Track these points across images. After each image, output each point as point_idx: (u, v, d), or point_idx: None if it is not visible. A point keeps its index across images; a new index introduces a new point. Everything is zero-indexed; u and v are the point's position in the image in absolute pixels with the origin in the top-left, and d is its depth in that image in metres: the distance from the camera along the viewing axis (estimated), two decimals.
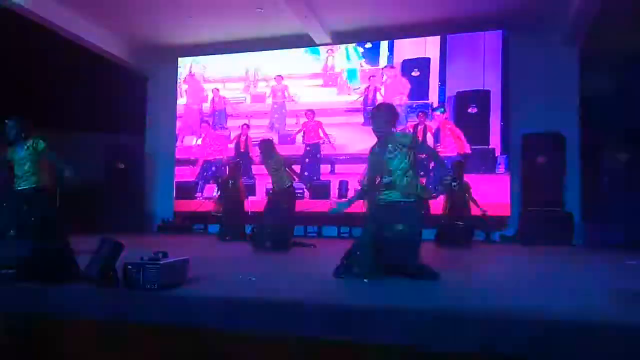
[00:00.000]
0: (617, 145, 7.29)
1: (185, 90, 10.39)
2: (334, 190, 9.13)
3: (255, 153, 8.79)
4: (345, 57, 9.44)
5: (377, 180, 3.83)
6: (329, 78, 9.55)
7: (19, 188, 5.06)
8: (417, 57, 9.05)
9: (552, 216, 7.78)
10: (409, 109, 8.91)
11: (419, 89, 8.98)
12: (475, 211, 7.17)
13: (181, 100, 10.39)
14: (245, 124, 9.87)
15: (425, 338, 2.36)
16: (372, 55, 9.30)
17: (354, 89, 9.35)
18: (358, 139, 8.91)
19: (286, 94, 9.70)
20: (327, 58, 9.54)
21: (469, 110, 8.67)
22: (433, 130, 8.76)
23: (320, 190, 9.11)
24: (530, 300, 2.90)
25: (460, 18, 8.43)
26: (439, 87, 8.87)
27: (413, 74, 9.03)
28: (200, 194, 9.97)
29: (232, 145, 9.93)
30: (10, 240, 4.60)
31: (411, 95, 8.99)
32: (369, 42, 9.28)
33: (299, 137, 9.55)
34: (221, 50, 9.98)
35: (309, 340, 2.48)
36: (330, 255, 5.62)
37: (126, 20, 8.93)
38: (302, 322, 2.56)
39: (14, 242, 4.49)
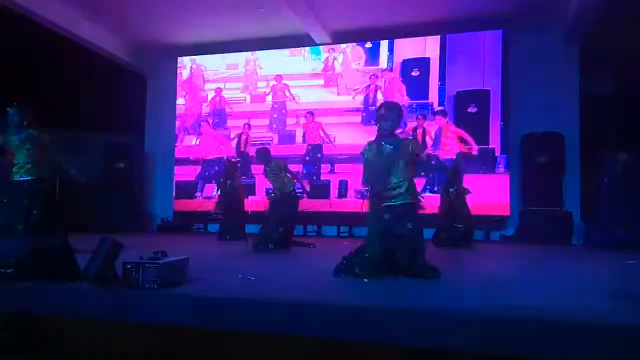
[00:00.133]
0: (617, 145, 7.28)
1: (185, 90, 10.38)
2: (334, 190, 9.13)
3: (253, 152, 8.79)
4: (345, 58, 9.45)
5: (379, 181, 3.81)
6: (329, 78, 9.55)
7: (18, 179, 4.99)
8: (417, 57, 9.05)
9: (552, 216, 7.79)
10: (408, 110, 8.91)
11: (419, 88, 8.98)
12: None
13: (181, 100, 10.39)
14: (246, 124, 9.87)
15: (425, 338, 2.36)
16: (372, 55, 9.30)
17: (354, 89, 9.34)
18: (358, 139, 8.90)
19: (287, 93, 9.70)
20: (327, 58, 9.54)
21: (469, 110, 8.67)
22: (432, 134, 8.74)
23: (320, 190, 9.14)
24: (530, 300, 2.90)
25: (460, 18, 8.42)
26: (439, 86, 8.86)
27: (413, 73, 9.03)
28: (200, 193, 9.97)
29: (233, 145, 9.92)
30: (10, 238, 4.54)
31: (410, 96, 8.98)
32: (369, 41, 9.28)
33: (299, 137, 9.55)
34: (221, 49, 9.97)
35: (309, 340, 2.47)
36: (329, 255, 5.62)
37: (126, 20, 8.92)
38: (302, 322, 2.55)
39: (13, 240, 4.45)
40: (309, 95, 9.58)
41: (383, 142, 3.78)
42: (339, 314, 2.55)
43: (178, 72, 10.37)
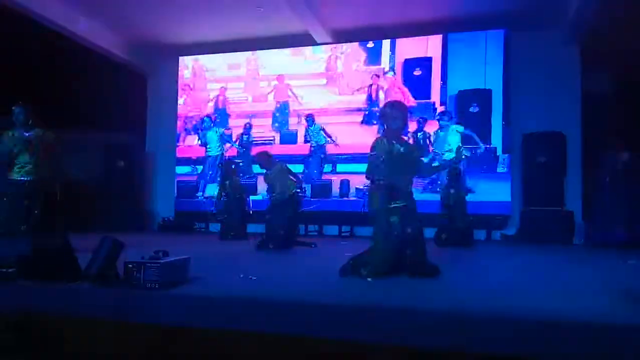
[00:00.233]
0: (619, 144, 7.27)
1: (187, 89, 10.38)
2: (336, 190, 9.13)
3: (255, 152, 8.79)
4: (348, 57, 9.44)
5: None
6: (331, 77, 9.53)
7: (19, 178, 4.97)
8: (419, 56, 9.04)
9: (553, 215, 7.78)
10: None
11: (421, 88, 8.96)
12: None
13: (182, 99, 10.38)
14: (248, 123, 9.86)
15: (425, 338, 2.36)
16: (374, 55, 9.29)
17: (356, 90, 9.33)
18: (359, 138, 8.92)
19: (289, 93, 9.68)
20: (329, 57, 9.53)
21: (471, 109, 8.66)
22: (432, 137, 8.73)
23: (322, 190, 9.13)
24: (531, 300, 2.90)
25: (462, 17, 8.41)
26: (441, 86, 8.85)
27: (415, 73, 9.02)
28: (201, 192, 9.97)
29: (235, 145, 9.91)
30: (10, 238, 4.53)
31: (412, 96, 8.97)
32: (370, 41, 9.26)
33: (301, 137, 9.54)
34: (221, 49, 9.96)
35: (309, 340, 2.47)
36: (331, 254, 5.64)
37: (126, 19, 8.91)
38: (303, 322, 2.55)
39: (13, 240, 4.45)
40: (311, 95, 9.56)
41: (394, 142, 3.78)
42: (339, 314, 2.55)
43: (179, 71, 10.36)
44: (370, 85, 9.23)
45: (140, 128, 10.69)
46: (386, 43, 9.21)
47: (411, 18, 8.55)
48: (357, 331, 2.45)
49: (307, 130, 9.46)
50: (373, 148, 3.79)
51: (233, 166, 8.24)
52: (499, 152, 8.44)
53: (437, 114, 8.72)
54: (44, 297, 2.98)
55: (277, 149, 9.21)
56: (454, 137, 8.39)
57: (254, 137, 9.79)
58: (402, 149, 3.77)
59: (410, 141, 7.81)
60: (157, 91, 10.68)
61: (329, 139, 9.32)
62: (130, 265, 2.91)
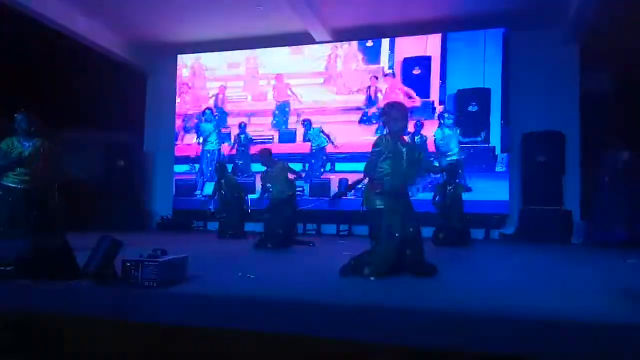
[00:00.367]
0: (618, 143, 7.28)
1: (186, 88, 10.36)
2: (334, 188, 9.12)
3: (255, 150, 8.79)
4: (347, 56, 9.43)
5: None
6: (329, 76, 9.52)
7: (17, 186, 4.94)
8: (418, 55, 9.03)
9: (552, 214, 7.79)
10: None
11: (420, 87, 8.96)
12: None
13: (180, 98, 10.36)
14: (242, 122, 9.85)
15: (425, 338, 2.35)
16: (373, 54, 9.28)
17: (355, 90, 9.31)
18: (357, 138, 8.92)
19: (289, 92, 9.67)
20: (329, 56, 9.51)
21: (470, 108, 8.66)
22: (432, 139, 8.73)
23: (320, 188, 9.13)
24: (530, 300, 2.89)
25: (461, 16, 8.41)
26: (440, 85, 8.85)
27: (414, 72, 9.01)
28: (199, 191, 9.96)
29: (232, 144, 9.90)
30: (9, 238, 4.52)
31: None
32: (369, 40, 9.25)
33: (300, 136, 9.53)
34: (220, 47, 9.95)
35: (308, 339, 2.47)
36: (329, 253, 5.64)
37: (126, 18, 8.90)
38: (301, 321, 2.55)
39: (12, 239, 4.44)
40: (310, 94, 9.55)
41: (399, 142, 3.78)
42: (338, 313, 2.54)
43: (178, 70, 10.34)
44: (369, 87, 9.21)
45: (139, 127, 10.68)
46: (385, 42, 9.20)
47: (411, 17, 8.54)
48: (356, 330, 2.44)
49: (306, 134, 9.46)
50: (375, 145, 3.75)
51: (231, 166, 8.24)
52: (498, 151, 8.45)
53: (439, 113, 8.72)
54: (43, 297, 2.97)
55: (276, 147, 9.20)
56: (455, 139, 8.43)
57: (252, 136, 9.78)
58: (404, 149, 3.77)
59: None
60: (156, 90, 10.67)
61: (328, 140, 9.31)
62: (128, 264, 2.90)
